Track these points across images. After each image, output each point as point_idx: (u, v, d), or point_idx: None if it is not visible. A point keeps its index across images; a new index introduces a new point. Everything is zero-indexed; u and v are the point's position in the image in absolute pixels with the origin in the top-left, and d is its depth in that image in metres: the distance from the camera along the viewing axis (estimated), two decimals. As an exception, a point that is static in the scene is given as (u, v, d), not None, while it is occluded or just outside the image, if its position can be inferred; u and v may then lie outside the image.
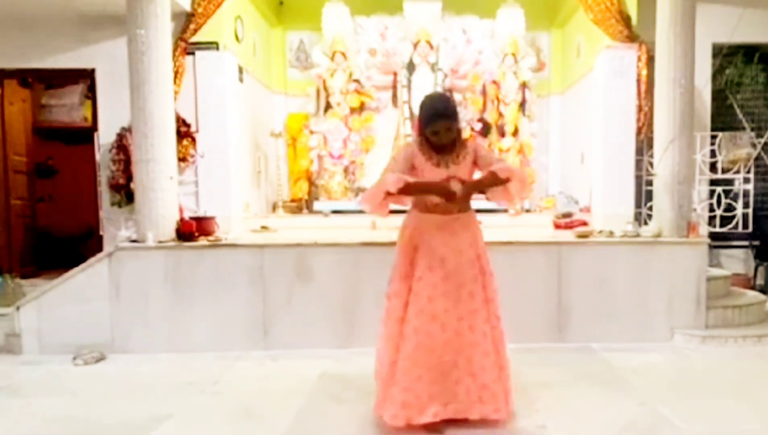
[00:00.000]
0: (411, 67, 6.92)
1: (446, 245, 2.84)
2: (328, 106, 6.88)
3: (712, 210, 5.94)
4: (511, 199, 2.90)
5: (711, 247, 4.76)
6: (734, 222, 5.88)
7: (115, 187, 5.51)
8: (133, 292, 4.30)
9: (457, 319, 2.81)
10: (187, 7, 5.36)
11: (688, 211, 4.62)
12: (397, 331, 2.84)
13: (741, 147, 5.99)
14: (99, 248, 5.29)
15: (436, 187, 2.78)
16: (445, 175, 2.80)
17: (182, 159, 5.34)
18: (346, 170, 6.95)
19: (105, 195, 5.67)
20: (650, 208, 5.20)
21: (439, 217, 2.86)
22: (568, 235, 4.81)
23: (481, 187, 2.86)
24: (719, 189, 5.93)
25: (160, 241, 4.37)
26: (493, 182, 2.81)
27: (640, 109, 5.61)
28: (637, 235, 4.62)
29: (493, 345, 2.85)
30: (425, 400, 2.76)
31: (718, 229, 5.87)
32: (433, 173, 2.82)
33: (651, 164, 5.12)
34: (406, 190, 2.75)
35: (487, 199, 2.94)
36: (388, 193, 2.74)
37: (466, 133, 2.81)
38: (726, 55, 6.10)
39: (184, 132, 5.39)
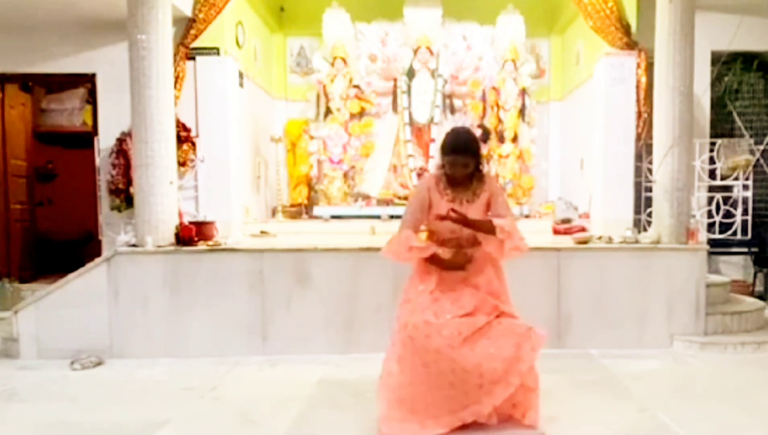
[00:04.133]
0: (411, 73, 6.94)
1: (455, 277, 2.91)
2: (328, 112, 6.89)
3: (711, 216, 5.94)
4: (501, 254, 2.90)
5: (710, 253, 4.76)
6: (733, 228, 5.88)
7: (114, 192, 5.52)
8: (132, 296, 4.29)
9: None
10: (189, 13, 5.38)
11: (687, 217, 4.62)
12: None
13: (740, 154, 5.99)
14: (98, 252, 5.29)
15: (446, 263, 2.91)
16: (458, 210, 2.86)
17: (182, 163, 5.35)
18: (345, 175, 6.96)
19: (104, 199, 5.67)
20: (649, 215, 5.21)
21: (450, 251, 2.93)
22: (567, 241, 4.82)
23: (476, 228, 2.87)
24: (718, 195, 5.93)
25: (160, 246, 4.37)
26: (488, 231, 2.85)
27: (639, 115, 5.63)
28: (636, 242, 4.62)
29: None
30: None
31: (717, 236, 5.88)
32: (446, 209, 2.87)
33: (650, 170, 5.13)
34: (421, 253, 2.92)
35: (479, 241, 2.93)
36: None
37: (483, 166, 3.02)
38: (725, 63, 6.12)
39: (184, 137, 5.40)
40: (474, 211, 2.89)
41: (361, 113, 6.94)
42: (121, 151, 5.43)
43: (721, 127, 6.38)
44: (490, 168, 6.64)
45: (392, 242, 2.95)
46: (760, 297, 5.62)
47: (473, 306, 2.84)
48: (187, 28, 5.40)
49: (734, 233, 5.89)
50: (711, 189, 6.02)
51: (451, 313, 2.81)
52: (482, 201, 2.92)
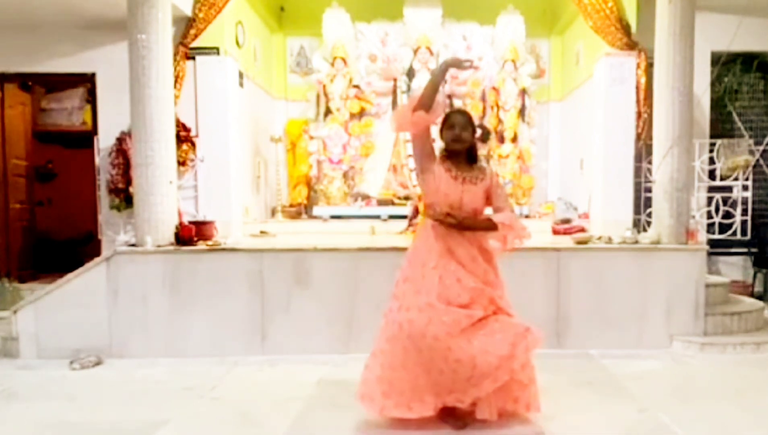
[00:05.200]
0: (411, 73, 6.94)
1: (451, 253, 2.89)
2: (328, 112, 6.90)
3: (710, 217, 5.95)
4: (505, 247, 2.97)
5: (710, 254, 4.76)
6: (733, 229, 5.88)
7: (114, 191, 5.52)
8: (132, 296, 4.28)
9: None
10: (189, 12, 5.38)
11: (686, 217, 4.62)
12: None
13: (739, 154, 5.99)
14: (98, 252, 5.29)
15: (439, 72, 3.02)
16: (460, 189, 2.90)
17: (182, 163, 5.35)
18: (345, 175, 6.96)
19: (104, 199, 5.67)
20: (649, 215, 5.21)
21: (445, 229, 2.92)
22: (566, 242, 4.82)
23: (475, 228, 2.93)
24: (718, 196, 5.93)
25: (159, 246, 4.37)
26: (486, 228, 2.93)
27: (639, 115, 5.63)
28: (636, 242, 4.62)
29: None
30: None
31: (716, 236, 5.88)
32: (449, 184, 2.90)
33: (650, 171, 5.12)
34: (422, 100, 2.87)
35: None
36: (415, 109, 2.85)
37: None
38: (725, 63, 6.12)
39: (184, 136, 5.40)
40: (473, 195, 2.93)
41: (361, 113, 6.95)
42: (121, 150, 5.43)
43: (721, 127, 6.38)
44: (490, 166, 6.64)
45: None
46: (760, 297, 5.63)
47: (470, 297, 2.83)
48: (187, 28, 5.40)
49: (734, 234, 5.89)
50: (711, 189, 6.02)
51: (452, 297, 2.81)
52: (481, 188, 2.96)
